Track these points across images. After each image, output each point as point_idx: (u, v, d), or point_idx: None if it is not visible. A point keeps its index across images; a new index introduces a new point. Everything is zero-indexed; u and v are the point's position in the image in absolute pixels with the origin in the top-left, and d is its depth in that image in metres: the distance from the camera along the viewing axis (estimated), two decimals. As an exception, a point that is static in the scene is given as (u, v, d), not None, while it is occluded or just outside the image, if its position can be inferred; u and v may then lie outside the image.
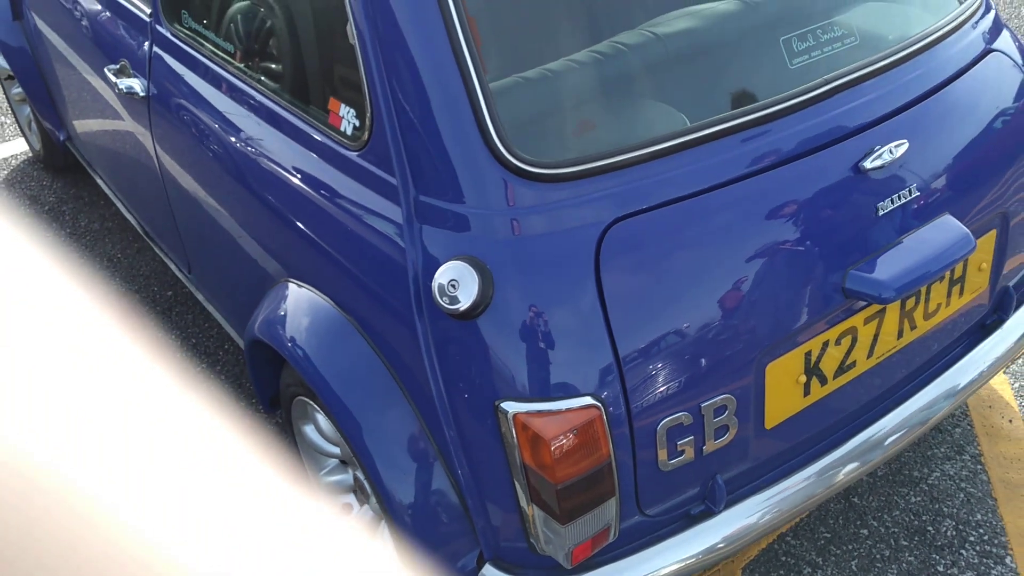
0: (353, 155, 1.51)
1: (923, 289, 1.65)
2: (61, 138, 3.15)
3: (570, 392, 1.35)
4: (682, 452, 1.46)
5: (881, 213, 1.53)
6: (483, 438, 1.40)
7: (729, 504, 1.58)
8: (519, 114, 1.43)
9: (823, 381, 1.59)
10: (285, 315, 1.70)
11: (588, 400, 1.35)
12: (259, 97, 1.74)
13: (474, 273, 1.34)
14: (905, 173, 1.56)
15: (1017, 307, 1.92)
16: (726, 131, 1.45)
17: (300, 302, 1.67)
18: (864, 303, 1.55)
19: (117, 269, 3.07)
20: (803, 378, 1.55)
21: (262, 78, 1.75)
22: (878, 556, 1.99)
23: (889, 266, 1.52)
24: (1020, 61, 1.83)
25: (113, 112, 2.37)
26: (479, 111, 1.35)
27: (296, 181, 1.65)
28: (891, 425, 1.73)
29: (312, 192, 1.61)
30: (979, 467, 2.17)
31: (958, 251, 1.57)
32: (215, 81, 1.88)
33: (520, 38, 1.53)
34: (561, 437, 1.33)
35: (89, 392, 0.22)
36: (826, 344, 1.56)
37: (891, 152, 1.52)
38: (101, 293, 0.26)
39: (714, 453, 1.50)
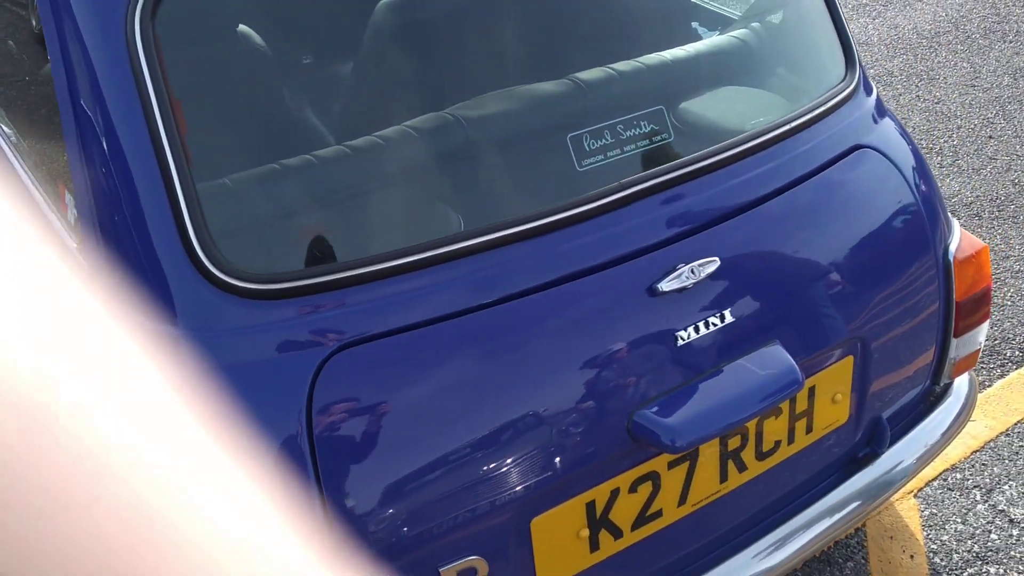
0: (74, 248, 1.32)
1: (750, 427, 1.41)
2: None
3: None
4: (420, 622, 1.23)
5: (681, 343, 1.30)
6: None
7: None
8: (232, 220, 1.23)
9: (617, 534, 1.35)
10: None
11: None
12: (16, 161, 1.57)
13: None
14: (714, 296, 1.32)
15: (894, 441, 1.67)
16: (486, 244, 1.23)
17: None
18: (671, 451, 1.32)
19: None
20: (585, 532, 1.32)
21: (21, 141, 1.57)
22: None
23: (685, 407, 1.28)
24: (899, 159, 1.59)
25: None
26: (179, 214, 1.15)
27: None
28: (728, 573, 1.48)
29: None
30: (867, 611, 1.90)
31: (778, 390, 1.33)
32: None
33: (246, 130, 1.33)
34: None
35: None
36: (615, 492, 1.32)
37: (693, 272, 1.29)
38: None
39: (467, 622, 1.26)
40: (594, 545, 1.33)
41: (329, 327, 1.17)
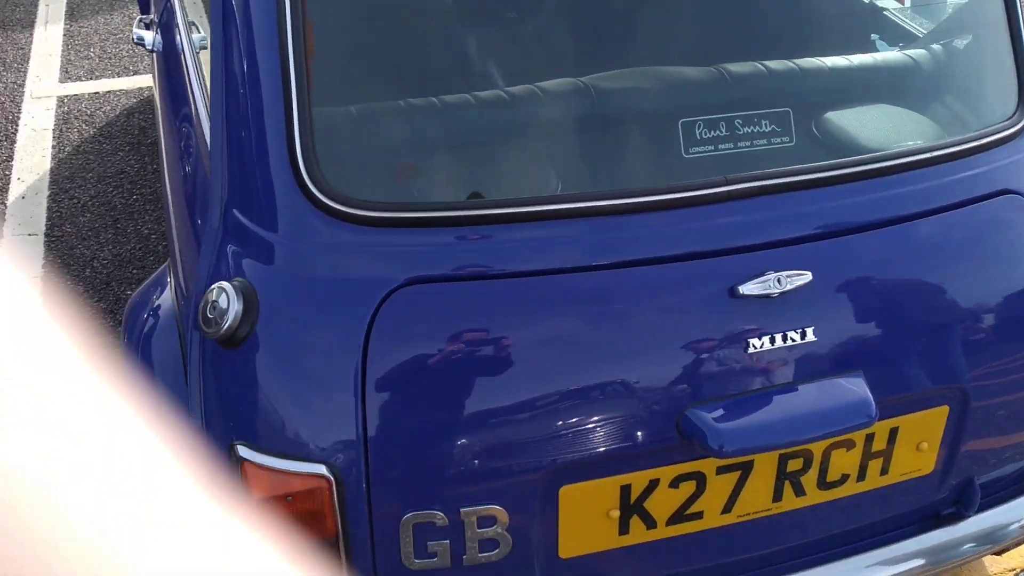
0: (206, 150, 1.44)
1: (815, 453, 1.36)
2: None
3: (301, 454, 1.21)
4: (434, 554, 1.27)
5: (751, 351, 1.27)
6: (223, 475, 1.29)
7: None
8: (338, 145, 1.30)
9: (650, 524, 1.34)
10: (152, 287, 1.66)
11: (319, 468, 1.20)
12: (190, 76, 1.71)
13: (238, 300, 1.22)
14: (799, 312, 1.28)
15: (984, 507, 1.56)
16: (576, 212, 1.25)
17: (165, 278, 1.63)
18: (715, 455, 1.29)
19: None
20: (616, 513, 1.32)
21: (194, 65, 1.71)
22: None
23: (740, 416, 1.26)
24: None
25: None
26: (291, 133, 1.23)
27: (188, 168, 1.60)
28: None
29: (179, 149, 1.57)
30: None
31: (843, 421, 1.28)
32: (176, 52, 1.87)
33: (373, 63, 1.39)
34: (272, 499, 1.20)
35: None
36: (654, 482, 1.31)
37: (779, 282, 1.25)
38: None
39: (481, 568, 1.30)
40: (623, 528, 1.33)
41: (405, 261, 1.22)
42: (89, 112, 3.68)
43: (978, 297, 1.39)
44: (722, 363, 1.26)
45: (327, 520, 1.22)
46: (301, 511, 1.21)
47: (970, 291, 1.38)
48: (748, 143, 1.32)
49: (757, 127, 1.33)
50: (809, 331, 1.28)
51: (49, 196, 3.16)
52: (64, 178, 3.26)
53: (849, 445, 1.38)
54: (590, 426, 1.25)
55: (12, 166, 3.33)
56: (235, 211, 1.29)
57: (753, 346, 1.26)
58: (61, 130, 3.56)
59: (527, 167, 1.34)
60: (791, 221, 1.29)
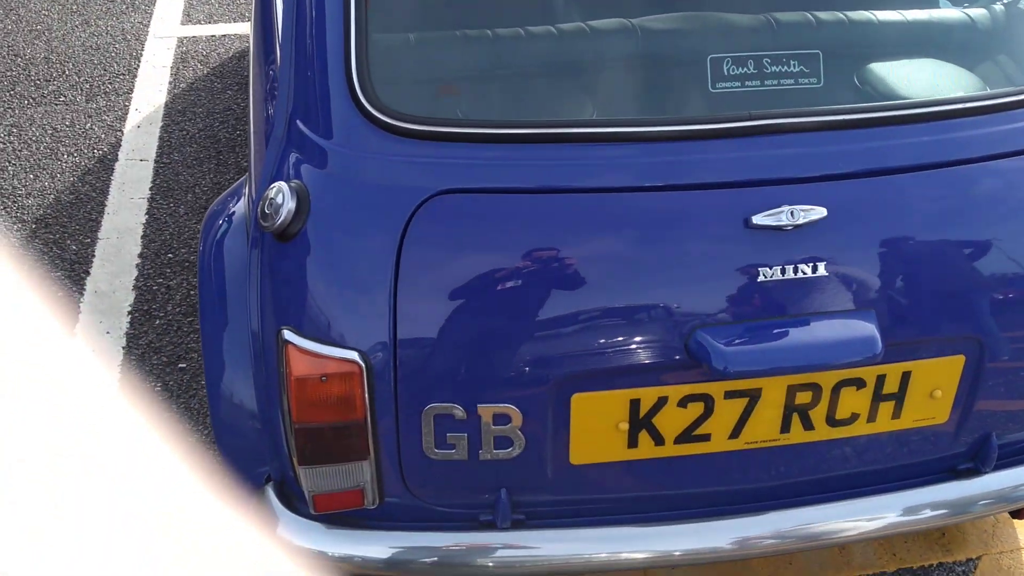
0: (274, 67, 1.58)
1: (824, 388, 1.41)
2: None
3: (338, 340, 1.34)
4: (452, 446, 1.39)
5: (761, 280, 1.33)
6: (272, 360, 1.43)
7: (518, 526, 1.48)
8: (391, 66, 1.41)
9: (658, 440, 1.43)
10: (229, 197, 1.81)
11: (352, 355, 1.33)
12: None
13: (292, 198, 1.35)
14: (812, 246, 1.33)
15: (1002, 466, 1.58)
16: (607, 136, 1.33)
17: (242, 189, 1.78)
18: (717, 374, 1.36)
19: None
20: (625, 425, 1.40)
21: None
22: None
23: (745, 340, 1.32)
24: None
25: None
26: (348, 50, 1.36)
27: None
28: (762, 526, 1.51)
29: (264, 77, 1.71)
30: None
31: (847, 354, 1.33)
32: None
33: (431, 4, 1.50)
34: (309, 378, 1.33)
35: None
36: (663, 399, 1.39)
37: (792, 215, 1.31)
38: None
39: (496, 463, 1.41)
40: (632, 441, 1.42)
41: (442, 171, 1.33)
42: (205, 53, 3.91)
43: (1001, 250, 1.41)
44: (732, 289, 1.33)
45: (357, 403, 1.34)
46: (334, 393, 1.33)
47: (992, 244, 1.41)
48: (776, 82, 1.38)
49: (785, 66, 1.38)
50: (821, 266, 1.33)
51: (162, 127, 3.40)
52: (176, 111, 3.50)
53: (859, 384, 1.43)
54: (604, 339, 1.34)
55: (132, 98, 3.59)
56: (298, 121, 1.42)
57: (764, 275, 1.33)
58: (178, 68, 3.80)
59: (564, 95, 1.43)
60: (812, 159, 1.34)
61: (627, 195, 1.33)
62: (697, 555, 1.50)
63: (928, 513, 1.57)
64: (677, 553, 1.49)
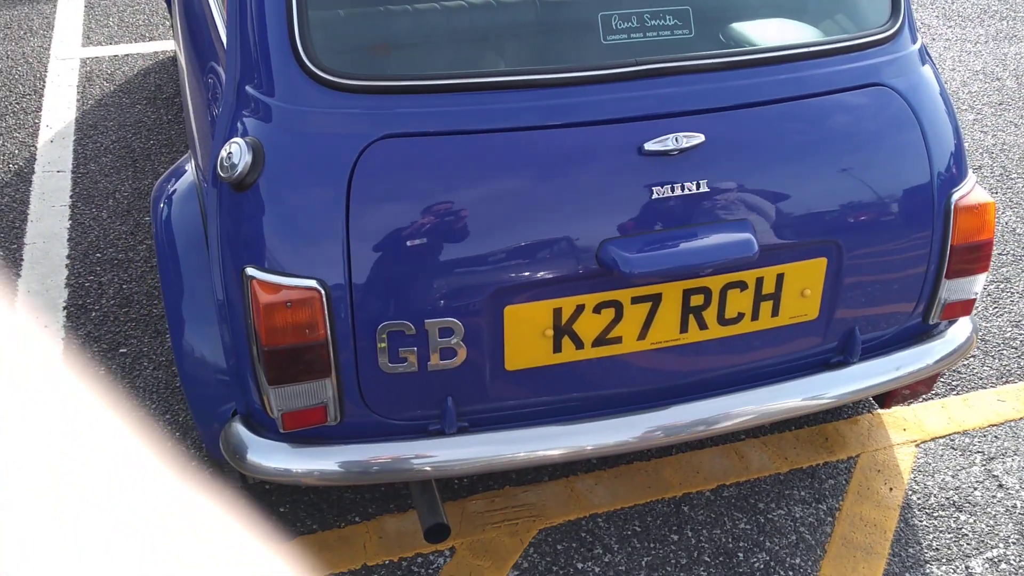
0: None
1: (713, 290, 1.68)
2: None
3: (298, 272, 1.53)
4: (404, 359, 1.59)
5: (655, 197, 1.59)
6: (236, 299, 1.61)
7: (463, 432, 1.69)
8: (329, 30, 1.62)
9: (578, 344, 1.66)
10: (171, 175, 1.98)
11: (312, 283, 1.52)
12: None
13: (248, 151, 1.54)
14: (695, 168, 1.60)
15: (865, 357, 1.88)
16: (517, 83, 1.57)
17: (184, 166, 1.95)
18: (624, 280, 1.61)
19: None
20: (550, 332, 1.64)
21: None
22: (672, 562, 2.00)
23: (644, 245, 1.58)
24: (919, 105, 1.78)
25: None
26: (291, 19, 1.56)
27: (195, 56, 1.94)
28: (666, 418, 1.76)
29: (198, 68, 1.89)
30: (829, 519, 2.11)
31: (728, 253, 1.60)
32: None
33: None
34: (275, 305, 1.52)
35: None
36: (580, 307, 1.63)
37: (676, 140, 1.58)
38: None
39: (442, 373, 1.62)
40: (557, 347, 1.66)
41: (380, 120, 1.54)
42: (110, 71, 4.02)
43: (847, 168, 1.71)
44: (633, 206, 1.59)
45: (318, 325, 1.54)
46: (298, 317, 1.53)
47: (840, 163, 1.70)
48: (655, 33, 1.65)
49: (662, 20, 1.65)
50: (703, 183, 1.60)
51: (75, 140, 3.50)
52: (88, 126, 3.60)
53: (742, 286, 1.70)
54: (527, 256, 1.57)
55: (41, 115, 3.67)
56: (246, 86, 1.62)
57: (657, 193, 1.59)
58: (84, 86, 3.89)
59: (480, 53, 1.67)
60: (689, 97, 1.62)
61: (539, 132, 1.57)
62: (607, 448, 1.74)
63: (807, 401, 1.85)
64: (589, 447, 1.73)
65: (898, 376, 1.89)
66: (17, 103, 3.75)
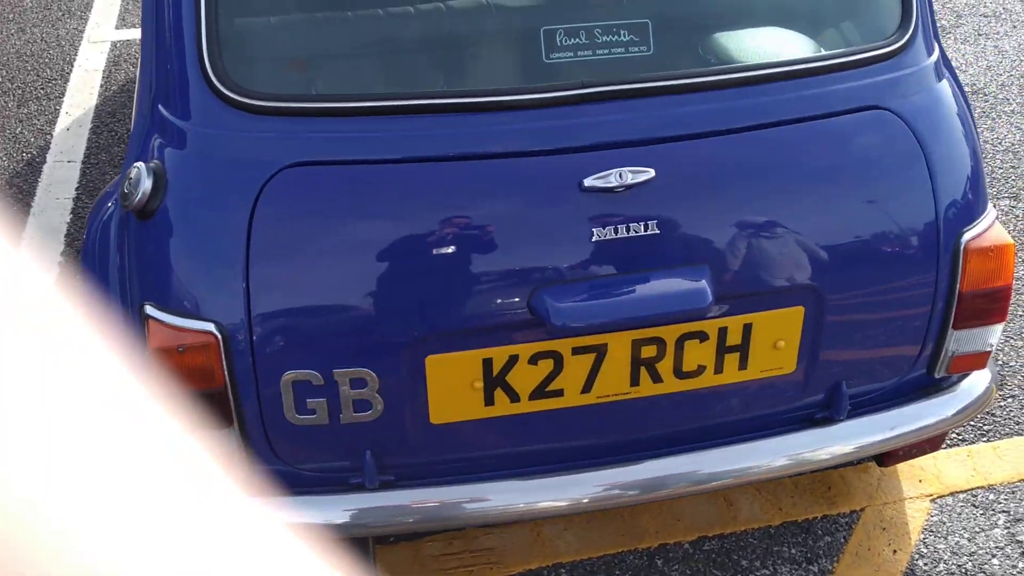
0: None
1: (667, 341, 1.48)
2: None
3: (194, 313, 1.40)
4: (313, 411, 1.45)
5: (595, 240, 1.40)
6: (140, 339, 1.49)
7: (387, 486, 1.54)
8: (243, 47, 1.47)
9: (513, 398, 1.50)
10: (114, 186, 1.87)
11: (208, 326, 1.39)
12: None
13: (149, 177, 1.42)
14: (643, 207, 1.41)
15: (855, 415, 1.65)
16: (437, 107, 1.40)
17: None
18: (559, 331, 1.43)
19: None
20: (480, 384, 1.47)
21: None
22: (637, 622, 1.83)
23: (580, 296, 1.39)
24: (926, 130, 1.53)
25: None
26: (200, 35, 1.42)
27: None
28: (623, 477, 1.58)
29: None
30: (819, 583, 1.90)
31: (675, 304, 1.40)
32: None
33: None
34: (165, 349, 1.39)
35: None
36: (514, 358, 1.46)
37: (620, 176, 1.38)
38: None
39: (357, 426, 1.47)
40: (489, 399, 1.49)
41: (290, 145, 1.39)
42: (137, 55, 3.96)
43: (831, 205, 1.49)
44: (569, 250, 1.40)
45: (215, 372, 1.41)
46: (192, 363, 1.40)
47: (821, 199, 1.48)
48: (607, 51, 1.45)
49: (616, 36, 1.45)
50: (652, 224, 1.41)
51: (91, 129, 3.45)
52: (107, 113, 3.54)
53: (702, 337, 1.50)
54: (451, 302, 1.41)
55: (63, 102, 3.63)
56: (160, 106, 1.48)
57: (597, 235, 1.40)
58: (111, 71, 3.84)
59: (404, 72, 1.50)
60: (641, 124, 1.42)
61: (466, 164, 1.40)
62: (558, 509, 1.57)
63: (784, 461, 1.64)
64: (541, 505, 1.56)
65: (891, 437, 1.67)
66: (42, 88, 3.73)
